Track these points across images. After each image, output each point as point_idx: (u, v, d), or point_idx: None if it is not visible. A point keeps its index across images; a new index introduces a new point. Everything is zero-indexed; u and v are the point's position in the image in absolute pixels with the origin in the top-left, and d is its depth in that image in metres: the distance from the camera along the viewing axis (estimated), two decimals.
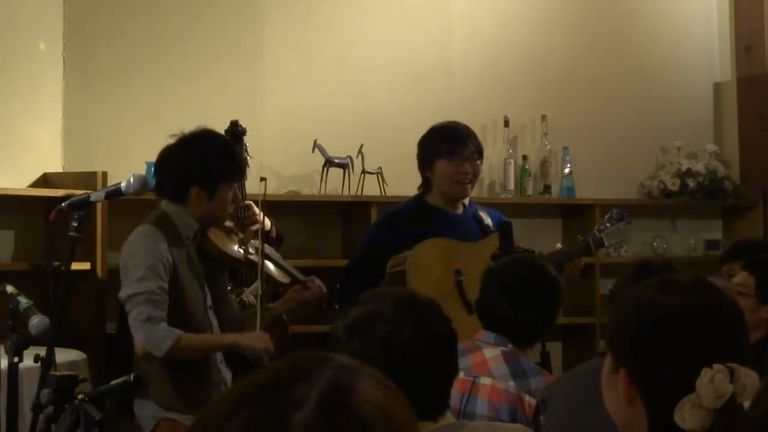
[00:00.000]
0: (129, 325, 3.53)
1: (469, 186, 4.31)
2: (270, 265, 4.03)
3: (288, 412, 0.95)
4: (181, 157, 3.65)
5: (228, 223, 3.90)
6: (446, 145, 4.27)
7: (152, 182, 3.67)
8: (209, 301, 3.72)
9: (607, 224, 4.60)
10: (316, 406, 0.95)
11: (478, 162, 4.33)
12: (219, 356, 3.74)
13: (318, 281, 4.09)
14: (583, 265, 4.52)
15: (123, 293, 3.55)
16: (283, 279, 4.07)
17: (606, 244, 4.56)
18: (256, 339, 3.67)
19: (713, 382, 1.57)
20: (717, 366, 1.59)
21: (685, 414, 1.58)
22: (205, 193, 3.62)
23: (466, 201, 4.50)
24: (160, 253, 3.54)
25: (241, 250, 3.88)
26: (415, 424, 1.03)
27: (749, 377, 1.59)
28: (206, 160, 3.63)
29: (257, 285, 3.85)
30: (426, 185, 4.35)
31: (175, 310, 3.56)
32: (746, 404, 1.53)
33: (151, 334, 3.48)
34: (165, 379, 3.58)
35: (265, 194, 3.95)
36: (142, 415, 3.60)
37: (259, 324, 3.77)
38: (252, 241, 3.95)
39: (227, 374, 3.76)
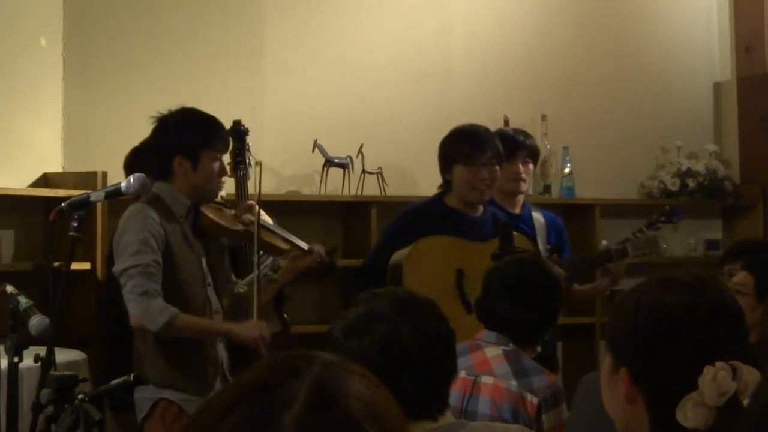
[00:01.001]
0: (124, 297, 3.53)
1: (487, 191, 4.28)
2: (268, 233, 3.95)
3: (278, 412, 0.95)
4: (159, 131, 3.72)
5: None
6: (464, 150, 4.23)
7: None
8: (209, 279, 3.72)
9: (637, 235, 4.61)
10: (305, 405, 0.96)
11: (497, 167, 4.28)
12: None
13: (318, 246, 4.01)
14: (625, 266, 4.53)
15: (117, 267, 3.57)
16: (283, 245, 3.96)
17: (630, 253, 4.56)
18: (250, 327, 3.66)
19: (716, 380, 1.57)
20: (720, 364, 1.59)
21: (688, 412, 1.58)
22: (188, 162, 3.66)
23: (522, 201, 4.56)
24: (151, 226, 3.57)
25: (238, 222, 3.86)
26: (403, 421, 1.03)
27: (751, 375, 1.59)
28: (184, 128, 3.69)
29: (256, 261, 3.80)
30: (446, 186, 4.33)
31: (172, 286, 3.57)
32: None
33: (147, 308, 3.49)
34: (159, 356, 3.59)
35: (260, 179, 3.85)
36: (139, 397, 3.58)
37: (261, 300, 3.76)
38: (246, 214, 3.92)
39: (223, 355, 3.74)
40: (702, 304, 1.71)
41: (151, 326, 3.50)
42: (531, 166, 4.64)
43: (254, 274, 3.78)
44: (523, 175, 4.55)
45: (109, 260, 4.21)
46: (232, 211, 3.92)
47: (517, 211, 4.56)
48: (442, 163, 4.31)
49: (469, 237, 4.22)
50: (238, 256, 4.27)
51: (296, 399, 0.96)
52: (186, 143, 3.67)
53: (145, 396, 3.56)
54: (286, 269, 3.96)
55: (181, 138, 3.68)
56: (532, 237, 4.51)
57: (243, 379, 1.01)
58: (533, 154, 4.65)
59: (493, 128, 5.86)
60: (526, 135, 4.70)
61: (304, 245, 3.98)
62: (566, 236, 4.74)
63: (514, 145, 4.53)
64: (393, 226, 4.38)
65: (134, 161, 4.19)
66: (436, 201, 4.34)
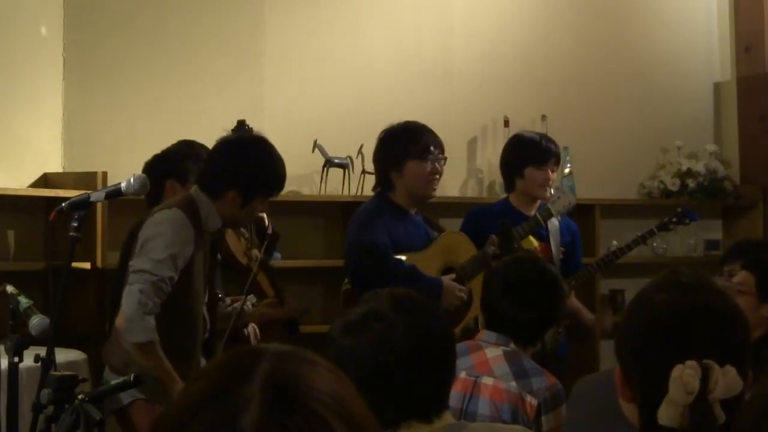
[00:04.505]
0: (125, 292, 3.47)
1: (437, 184, 4.32)
2: (263, 276, 4.05)
3: (235, 416, 0.91)
4: (231, 159, 3.63)
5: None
6: (418, 145, 4.24)
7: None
8: (205, 297, 3.72)
9: (646, 236, 4.63)
10: (262, 404, 0.92)
11: (443, 161, 4.33)
12: (196, 348, 3.69)
13: (294, 304, 4.08)
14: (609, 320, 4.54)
15: (137, 264, 3.49)
16: (269, 291, 4.08)
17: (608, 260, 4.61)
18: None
19: (682, 378, 1.58)
20: (689, 362, 1.59)
21: (662, 410, 1.59)
22: (240, 199, 3.60)
23: (538, 204, 4.55)
24: (186, 245, 3.52)
25: (245, 255, 3.92)
26: (370, 414, 0.98)
27: (725, 374, 1.58)
28: (254, 171, 3.62)
29: (248, 295, 3.91)
30: (387, 186, 4.29)
31: (182, 301, 3.53)
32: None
33: (137, 319, 3.42)
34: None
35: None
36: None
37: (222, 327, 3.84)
38: (254, 250, 3.98)
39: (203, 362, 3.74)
40: (683, 304, 1.70)
41: (128, 336, 3.43)
42: (557, 171, 4.69)
43: (238, 305, 3.88)
44: (551, 182, 4.59)
45: (125, 253, 4.19)
46: (245, 240, 3.96)
47: (532, 213, 4.56)
48: (391, 161, 4.26)
49: (415, 236, 4.24)
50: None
51: (252, 400, 0.92)
52: (248, 184, 3.62)
53: (125, 392, 3.49)
54: (256, 312, 4.04)
55: (245, 178, 3.61)
56: (544, 238, 4.52)
57: (194, 387, 0.97)
58: (559, 160, 4.70)
59: (493, 128, 5.93)
60: (553, 141, 4.71)
61: (283, 296, 4.08)
62: (579, 240, 4.75)
63: (546, 153, 4.56)
64: (366, 227, 4.20)
65: (157, 168, 4.12)
66: (384, 199, 4.29)
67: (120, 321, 3.48)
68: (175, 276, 3.49)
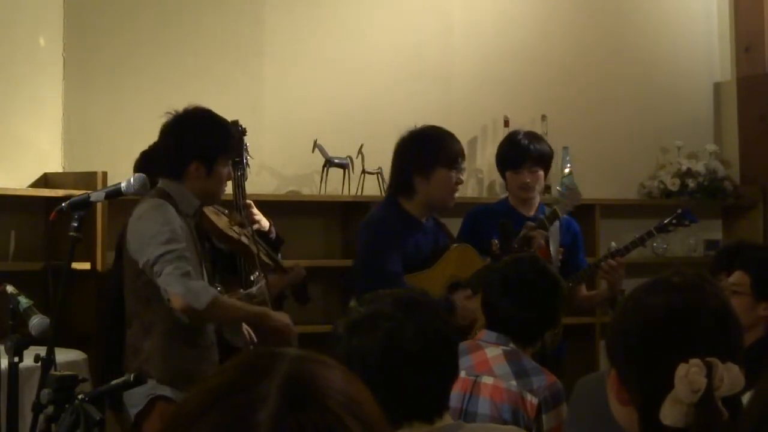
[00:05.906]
0: (161, 282, 3.47)
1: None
2: (258, 248, 4.03)
3: (252, 410, 0.93)
4: (179, 134, 3.69)
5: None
6: (447, 153, 4.14)
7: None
8: (205, 279, 3.72)
9: (645, 237, 4.60)
10: (279, 401, 0.94)
11: (464, 171, 4.28)
12: (213, 337, 3.72)
13: (299, 269, 4.06)
14: (620, 268, 4.43)
15: (150, 255, 3.48)
16: (266, 260, 4.06)
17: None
18: (284, 315, 3.73)
19: (688, 377, 1.58)
20: (693, 360, 1.59)
21: (666, 410, 1.59)
22: (204, 168, 3.65)
23: (537, 204, 4.51)
24: (177, 221, 3.55)
25: (235, 230, 3.91)
26: (382, 414, 1.00)
27: (729, 371, 1.59)
28: (204, 135, 3.67)
29: (257, 276, 3.89)
30: (407, 191, 4.16)
31: None
32: (745, 399, 1.53)
33: (191, 287, 3.44)
34: (168, 352, 3.56)
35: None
36: (132, 391, 3.42)
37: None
38: (237, 225, 3.98)
39: (216, 356, 3.75)
40: (679, 304, 1.70)
41: (196, 305, 3.44)
42: (540, 172, 4.51)
43: (253, 289, 3.87)
44: (530, 183, 4.47)
45: (118, 254, 4.20)
46: (225, 217, 3.96)
47: (531, 213, 4.53)
48: (419, 165, 4.11)
49: (425, 245, 4.16)
50: (237, 260, 4.28)
51: (269, 396, 0.94)
52: (205, 150, 3.66)
53: (140, 391, 3.49)
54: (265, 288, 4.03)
55: (201, 145, 3.66)
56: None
57: (212, 382, 0.99)
58: (540, 161, 4.50)
59: (493, 128, 5.93)
60: (536, 140, 4.58)
61: (283, 266, 4.07)
62: (581, 240, 4.69)
63: (519, 157, 4.46)
64: (379, 241, 4.10)
65: (146, 164, 4.14)
66: (394, 207, 4.17)
67: (179, 303, 3.47)
68: (186, 248, 3.52)
